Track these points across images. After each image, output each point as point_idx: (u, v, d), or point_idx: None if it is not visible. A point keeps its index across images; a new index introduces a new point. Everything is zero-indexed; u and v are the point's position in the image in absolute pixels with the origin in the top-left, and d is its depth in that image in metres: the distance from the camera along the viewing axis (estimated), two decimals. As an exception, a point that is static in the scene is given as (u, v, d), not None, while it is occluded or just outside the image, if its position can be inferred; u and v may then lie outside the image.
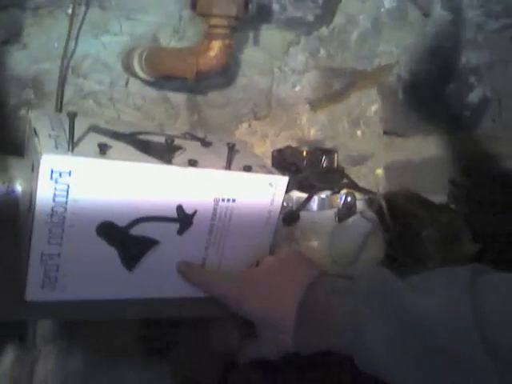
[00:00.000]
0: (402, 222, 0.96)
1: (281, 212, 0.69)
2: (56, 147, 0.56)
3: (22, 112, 0.85)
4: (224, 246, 0.66)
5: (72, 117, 0.56)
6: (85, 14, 0.83)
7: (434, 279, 0.54)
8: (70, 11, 0.82)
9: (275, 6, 0.92)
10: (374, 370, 0.53)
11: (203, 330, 1.02)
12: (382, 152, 1.12)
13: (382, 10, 1.01)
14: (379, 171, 1.13)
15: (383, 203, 0.88)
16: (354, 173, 0.99)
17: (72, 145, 0.56)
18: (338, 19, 0.98)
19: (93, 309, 0.62)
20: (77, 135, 0.58)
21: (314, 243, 0.77)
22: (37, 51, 0.84)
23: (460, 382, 0.47)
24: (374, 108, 1.10)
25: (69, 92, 0.86)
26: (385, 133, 1.12)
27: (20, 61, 0.84)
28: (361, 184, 0.93)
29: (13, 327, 0.84)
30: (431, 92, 1.11)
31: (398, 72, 1.07)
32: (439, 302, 0.49)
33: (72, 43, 0.84)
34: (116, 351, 1.02)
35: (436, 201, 1.07)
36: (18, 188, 0.67)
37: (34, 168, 0.58)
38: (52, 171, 0.55)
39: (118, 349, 1.02)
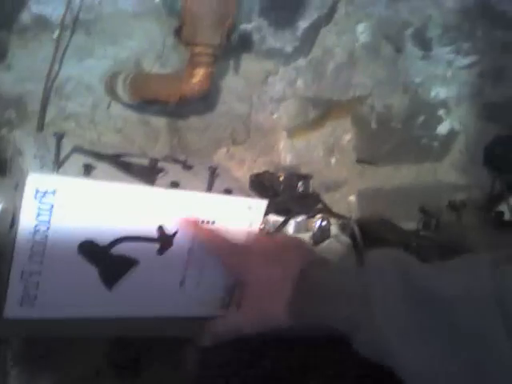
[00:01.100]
0: (373, 246, 0.99)
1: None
2: (41, 167, 0.58)
3: (3, 131, 0.86)
4: (203, 267, 0.68)
5: (59, 137, 0.58)
6: (70, 37, 0.85)
7: (453, 262, 0.50)
8: (55, 35, 0.84)
9: (256, 37, 0.95)
10: (380, 352, 0.48)
11: (178, 352, 1.02)
12: (355, 179, 1.16)
13: (357, 44, 1.05)
14: (352, 198, 1.16)
15: (356, 228, 0.91)
16: (328, 199, 1.02)
17: (57, 165, 0.57)
18: (315, 51, 1.02)
19: (70, 326, 0.63)
20: (61, 156, 0.59)
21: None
22: (21, 72, 0.85)
23: (479, 362, 0.43)
24: (347, 137, 1.14)
25: (51, 113, 0.88)
26: (358, 161, 1.15)
27: (4, 81, 0.85)
28: (334, 209, 0.96)
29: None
30: (402, 123, 1.16)
31: (371, 103, 1.12)
32: (460, 280, 0.46)
33: (56, 66, 0.86)
34: (88, 374, 1.01)
35: (407, 227, 1.11)
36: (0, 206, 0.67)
37: (17, 187, 0.59)
38: (37, 190, 0.56)
39: (90, 371, 1.01)
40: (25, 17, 0.83)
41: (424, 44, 1.11)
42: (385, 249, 0.55)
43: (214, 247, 0.64)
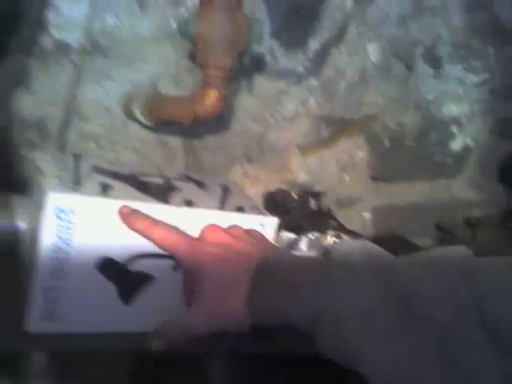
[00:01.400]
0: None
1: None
2: (61, 186, 0.60)
3: (25, 152, 0.89)
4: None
5: (77, 158, 0.61)
6: (89, 61, 0.88)
7: (427, 255, 0.47)
8: (75, 59, 0.87)
9: (268, 58, 0.98)
10: (344, 350, 0.44)
11: (199, 368, 1.03)
12: (369, 196, 1.17)
13: (368, 63, 1.07)
14: (366, 214, 1.17)
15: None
16: (342, 215, 1.03)
17: (76, 184, 0.60)
18: (327, 71, 1.04)
19: (89, 341, 0.65)
20: (80, 175, 0.62)
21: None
22: (42, 95, 0.89)
23: (454, 360, 0.40)
24: (361, 154, 1.15)
25: (71, 134, 0.91)
26: (372, 178, 1.17)
27: (25, 104, 0.88)
28: (348, 226, 0.97)
29: (5, 363, 0.86)
30: (415, 140, 1.17)
31: (383, 121, 1.13)
32: (433, 275, 0.43)
33: (76, 89, 0.89)
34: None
35: (422, 244, 1.12)
36: (21, 224, 0.70)
37: (38, 206, 0.62)
38: (56, 209, 0.58)
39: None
40: (45, 41, 0.86)
41: (435, 62, 1.12)
42: (352, 240, 0.52)
43: (168, 244, 0.60)
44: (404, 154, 1.18)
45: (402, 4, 1.07)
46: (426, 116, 1.16)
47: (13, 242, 0.69)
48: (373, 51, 1.08)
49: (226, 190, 0.67)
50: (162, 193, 0.64)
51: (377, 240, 1.05)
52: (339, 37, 1.03)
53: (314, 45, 1.01)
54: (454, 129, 1.19)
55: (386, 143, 1.16)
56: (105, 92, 0.91)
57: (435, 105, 1.15)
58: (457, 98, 1.16)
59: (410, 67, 1.11)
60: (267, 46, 0.96)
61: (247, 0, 0.80)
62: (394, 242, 1.07)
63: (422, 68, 1.12)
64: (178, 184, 0.72)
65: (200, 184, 0.75)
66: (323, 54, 1.03)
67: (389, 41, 1.08)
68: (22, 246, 0.69)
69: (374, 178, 1.17)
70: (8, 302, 0.65)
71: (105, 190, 0.61)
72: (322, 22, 1.01)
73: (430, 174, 1.22)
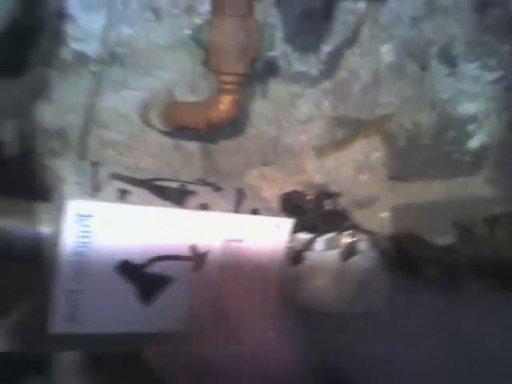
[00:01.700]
0: (404, 262, 1.00)
1: (287, 252, 0.74)
2: (80, 193, 0.63)
3: (47, 160, 0.92)
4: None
5: (95, 165, 0.63)
6: (107, 71, 0.91)
7: None
8: (93, 69, 0.90)
9: (281, 62, 0.99)
10: None
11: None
12: (386, 196, 1.17)
13: (382, 64, 1.08)
14: (384, 214, 1.17)
15: (386, 244, 0.93)
16: (360, 216, 1.04)
17: (95, 191, 0.62)
18: (340, 73, 1.05)
19: (111, 342, 0.67)
20: (99, 182, 0.64)
21: (319, 282, 0.82)
22: (62, 105, 0.91)
23: None
24: (377, 154, 1.15)
25: (91, 142, 0.93)
26: (389, 178, 1.17)
27: (46, 114, 0.91)
28: (366, 226, 0.98)
29: (33, 363, 0.88)
30: (431, 139, 1.17)
31: (399, 121, 1.14)
32: None
33: (94, 97, 0.91)
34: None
35: (440, 242, 1.12)
36: (44, 230, 0.72)
37: (60, 212, 0.64)
38: (76, 215, 0.61)
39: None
40: (64, 53, 0.89)
41: (449, 61, 1.12)
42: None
43: None
44: (420, 153, 1.18)
45: (414, 5, 1.07)
46: (442, 115, 1.16)
47: (36, 247, 0.71)
48: (386, 52, 1.08)
49: (240, 194, 0.68)
50: (178, 197, 0.66)
51: (394, 239, 1.06)
52: (352, 39, 1.04)
53: (326, 48, 1.02)
54: (471, 127, 1.19)
55: (402, 143, 1.16)
56: (122, 100, 0.93)
57: (451, 103, 1.15)
58: (472, 96, 1.15)
59: (424, 67, 1.11)
60: (280, 50, 0.98)
61: (258, 6, 0.82)
62: (411, 240, 1.08)
63: (437, 67, 1.12)
64: (194, 188, 0.74)
65: (216, 187, 0.77)
66: (336, 57, 1.04)
67: (402, 41, 1.08)
68: (44, 251, 0.71)
69: (391, 178, 1.17)
70: (32, 305, 0.68)
71: (123, 195, 0.64)
72: (335, 26, 1.02)
73: (448, 173, 1.21)
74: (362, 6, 1.03)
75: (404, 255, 1.00)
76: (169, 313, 0.69)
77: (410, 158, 1.18)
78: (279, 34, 0.96)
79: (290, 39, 0.98)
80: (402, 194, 1.20)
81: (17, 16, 0.73)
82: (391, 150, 1.16)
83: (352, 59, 1.05)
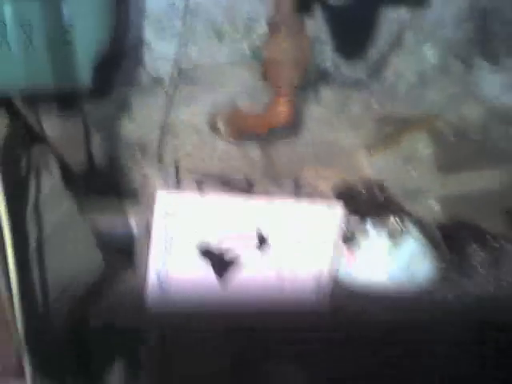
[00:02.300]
0: (455, 248, 1.07)
1: (340, 234, 0.85)
2: (165, 188, 0.76)
3: (133, 166, 1.07)
4: (292, 262, 0.82)
5: (177, 168, 0.76)
6: (179, 88, 1.04)
7: None
8: (167, 87, 1.04)
9: (332, 70, 1.10)
10: None
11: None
12: (436, 187, 1.24)
13: (427, 65, 1.16)
14: (434, 205, 1.25)
15: (434, 230, 1.01)
16: (410, 207, 1.12)
17: (177, 187, 0.75)
18: (387, 75, 1.14)
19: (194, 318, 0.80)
20: (179, 179, 0.78)
21: (369, 262, 0.91)
22: (141, 120, 1.06)
23: None
24: (426, 150, 1.23)
25: (167, 150, 1.07)
26: (438, 170, 1.24)
27: (127, 128, 1.06)
28: (415, 215, 1.06)
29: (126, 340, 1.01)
30: (479, 133, 1.24)
31: (446, 117, 1.21)
32: None
33: (168, 112, 1.05)
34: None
35: (491, 230, 1.18)
36: (134, 223, 0.87)
37: (148, 205, 0.78)
38: (164, 207, 0.74)
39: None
40: (142, 74, 1.03)
41: (492, 57, 1.19)
42: None
43: None
44: (469, 146, 1.24)
45: (456, 8, 1.15)
46: (488, 109, 1.22)
47: (127, 238, 0.85)
48: (430, 53, 1.16)
49: (297, 184, 0.80)
50: (244, 188, 0.79)
51: (445, 228, 1.13)
52: (397, 44, 1.13)
53: (373, 53, 1.11)
54: (517, 118, 1.24)
55: (451, 137, 1.23)
56: (192, 113, 1.06)
57: (495, 97, 1.21)
58: (516, 89, 1.21)
59: (468, 64, 1.18)
60: (330, 59, 1.08)
61: (310, 23, 0.93)
62: (462, 229, 1.14)
63: (481, 64, 1.19)
64: (257, 182, 0.86)
65: (275, 181, 0.89)
66: (382, 61, 1.13)
67: (446, 42, 1.16)
68: (136, 239, 0.85)
69: (441, 170, 1.24)
70: (126, 286, 0.82)
71: (199, 188, 0.77)
72: (380, 31, 1.11)
73: (497, 163, 1.27)
74: (405, 12, 1.11)
75: (454, 240, 1.07)
76: (241, 290, 0.81)
77: (459, 151, 1.25)
78: (329, 45, 1.06)
79: (338, 49, 1.08)
80: (451, 184, 1.26)
81: (106, 45, 0.87)
82: (440, 145, 1.23)
83: (398, 62, 1.14)
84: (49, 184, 0.78)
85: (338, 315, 0.88)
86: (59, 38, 0.75)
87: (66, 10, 0.74)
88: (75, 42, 0.76)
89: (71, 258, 0.77)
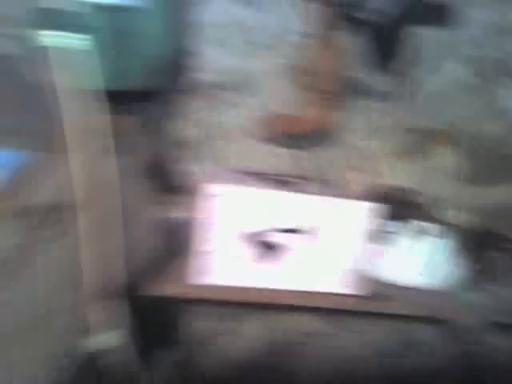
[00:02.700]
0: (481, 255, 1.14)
1: (369, 231, 0.93)
2: (214, 183, 0.86)
3: (182, 164, 1.16)
4: (328, 253, 0.91)
5: (222, 164, 0.86)
6: (220, 94, 1.14)
7: None
8: (211, 93, 1.14)
9: (362, 81, 1.18)
10: None
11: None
12: (462, 197, 1.31)
13: (448, 80, 1.23)
14: (459, 213, 1.31)
15: (460, 236, 1.08)
16: (437, 213, 1.19)
17: (223, 181, 0.85)
18: (410, 87, 1.22)
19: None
20: (226, 176, 0.87)
21: (396, 257, 0.99)
22: (192, 120, 1.16)
23: None
24: (450, 159, 1.30)
25: (210, 150, 1.17)
26: (462, 181, 1.31)
27: (180, 127, 1.16)
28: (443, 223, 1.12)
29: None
30: (504, 145, 1.30)
31: (468, 130, 1.28)
32: None
33: (212, 115, 1.15)
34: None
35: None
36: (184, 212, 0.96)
37: (197, 198, 0.87)
38: (209, 195, 0.84)
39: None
40: (190, 80, 1.13)
41: (509, 72, 1.25)
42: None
43: None
44: (493, 158, 1.30)
45: (477, 27, 1.22)
46: (510, 123, 1.29)
47: (179, 225, 0.95)
48: (451, 67, 1.23)
49: (335, 186, 0.89)
50: (281, 185, 0.88)
51: (471, 235, 1.19)
52: (418, 58, 1.21)
53: (397, 67, 1.19)
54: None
55: (474, 150, 1.29)
56: (233, 117, 1.16)
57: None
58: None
59: (489, 80, 1.25)
60: (362, 72, 1.17)
61: (343, 36, 1.02)
62: (488, 237, 1.20)
63: (502, 79, 1.25)
64: (293, 180, 0.95)
65: (318, 180, 0.98)
66: (405, 74, 1.21)
67: (467, 58, 1.23)
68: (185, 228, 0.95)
69: (465, 181, 1.31)
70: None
71: (243, 181, 0.87)
72: (403, 48, 1.19)
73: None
74: (427, 29, 1.19)
75: (480, 245, 1.14)
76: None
77: (482, 163, 1.31)
78: (361, 59, 1.15)
79: (368, 63, 1.17)
80: (476, 194, 1.32)
81: (162, 53, 0.97)
82: (464, 156, 1.30)
83: (418, 76, 1.22)
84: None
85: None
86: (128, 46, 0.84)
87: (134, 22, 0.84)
88: (139, 49, 0.86)
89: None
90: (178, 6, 1.03)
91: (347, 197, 0.92)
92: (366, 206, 0.91)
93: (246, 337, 1.13)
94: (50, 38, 0.78)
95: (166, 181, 1.08)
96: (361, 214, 0.91)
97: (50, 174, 0.85)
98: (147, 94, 1.03)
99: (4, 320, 0.76)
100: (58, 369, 0.83)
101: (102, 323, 0.87)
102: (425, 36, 1.19)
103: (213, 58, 1.12)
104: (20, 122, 0.83)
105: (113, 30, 0.84)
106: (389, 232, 1.01)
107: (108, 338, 0.87)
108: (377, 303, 0.92)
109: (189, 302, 1.00)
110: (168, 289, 0.86)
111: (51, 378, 0.81)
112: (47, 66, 0.79)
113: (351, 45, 1.13)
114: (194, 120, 1.16)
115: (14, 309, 0.78)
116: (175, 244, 0.92)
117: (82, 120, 0.84)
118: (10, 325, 0.77)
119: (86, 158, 0.84)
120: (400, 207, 1.09)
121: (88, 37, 0.78)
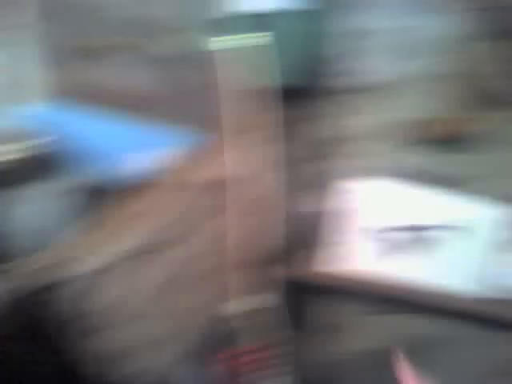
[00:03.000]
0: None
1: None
2: (349, 180, 0.93)
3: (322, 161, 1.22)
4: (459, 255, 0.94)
5: (357, 163, 0.93)
6: (366, 97, 1.18)
7: None
8: (343, 98, 1.18)
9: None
10: None
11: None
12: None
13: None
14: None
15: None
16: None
17: (359, 179, 0.92)
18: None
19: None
20: (360, 174, 0.94)
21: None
22: (332, 121, 1.21)
23: None
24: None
25: (345, 150, 1.22)
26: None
27: (322, 126, 1.21)
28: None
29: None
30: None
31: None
32: None
33: (347, 117, 1.20)
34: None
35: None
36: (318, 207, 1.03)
37: (333, 194, 0.94)
38: (340, 189, 0.90)
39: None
40: (339, 83, 1.18)
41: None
42: None
43: None
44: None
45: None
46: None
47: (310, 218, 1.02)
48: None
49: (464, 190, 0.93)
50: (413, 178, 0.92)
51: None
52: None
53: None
54: None
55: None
56: (377, 119, 1.17)
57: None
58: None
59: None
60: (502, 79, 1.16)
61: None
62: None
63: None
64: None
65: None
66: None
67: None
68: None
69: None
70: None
71: (369, 176, 0.92)
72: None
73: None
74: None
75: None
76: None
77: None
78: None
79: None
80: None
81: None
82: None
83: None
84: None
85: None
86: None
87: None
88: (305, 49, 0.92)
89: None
90: (343, 10, 1.08)
91: (483, 203, 0.94)
92: (503, 212, 0.92)
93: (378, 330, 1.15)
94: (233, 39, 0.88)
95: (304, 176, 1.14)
96: (497, 220, 0.92)
97: (219, 154, 0.95)
98: (303, 92, 1.09)
99: (172, 274, 0.87)
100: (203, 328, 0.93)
101: (245, 289, 0.95)
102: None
103: (367, 62, 1.17)
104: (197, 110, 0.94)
105: (285, 31, 0.92)
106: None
107: (249, 302, 0.95)
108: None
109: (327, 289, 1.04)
110: (307, 272, 0.93)
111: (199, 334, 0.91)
112: (225, 66, 0.89)
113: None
114: (328, 122, 1.20)
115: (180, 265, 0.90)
116: (309, 233, 0.98)
117: (251, 112, 0.92)
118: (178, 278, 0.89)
119: (252, 143, 0.93)
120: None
121: (268, 34, 0.87)
